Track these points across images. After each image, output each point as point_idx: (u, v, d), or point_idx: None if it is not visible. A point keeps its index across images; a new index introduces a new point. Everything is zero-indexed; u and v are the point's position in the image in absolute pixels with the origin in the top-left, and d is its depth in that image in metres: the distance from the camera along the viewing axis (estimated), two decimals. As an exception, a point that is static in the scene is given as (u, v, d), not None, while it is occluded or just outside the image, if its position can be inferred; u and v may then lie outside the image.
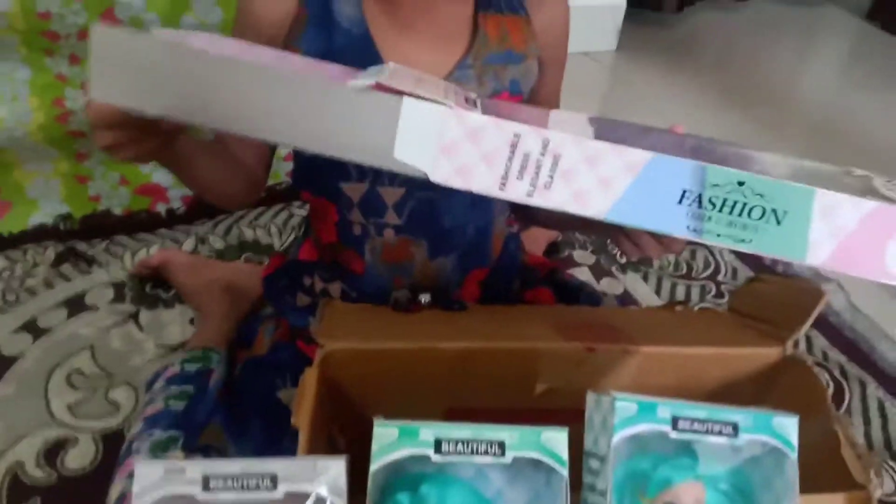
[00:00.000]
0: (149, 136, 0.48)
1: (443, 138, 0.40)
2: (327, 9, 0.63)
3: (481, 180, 0.41)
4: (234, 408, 0.71)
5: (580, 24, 1.83)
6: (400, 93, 0.40)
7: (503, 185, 0.41)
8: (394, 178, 0.67)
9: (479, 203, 0.71)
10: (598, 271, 1.11)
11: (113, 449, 0.76)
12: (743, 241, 0.41)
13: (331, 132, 0.41)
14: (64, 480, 0.75)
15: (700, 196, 0.40)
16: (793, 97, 1.81)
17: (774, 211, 0.40)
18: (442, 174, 0.41)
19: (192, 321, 0.95)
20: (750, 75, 1.91)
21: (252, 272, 0.97)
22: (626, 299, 1.06)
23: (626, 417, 0.46)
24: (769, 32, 2.18)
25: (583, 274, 1.09)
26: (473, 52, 0.65)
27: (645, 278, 1.11)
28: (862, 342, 1.04)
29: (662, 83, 1.82)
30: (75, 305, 0.96)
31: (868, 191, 0.46)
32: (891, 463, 0.86)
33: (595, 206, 0.41)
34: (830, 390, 0.95)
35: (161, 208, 1.12)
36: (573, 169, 0.40)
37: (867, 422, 0.92)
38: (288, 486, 0.43)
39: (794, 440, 0.48)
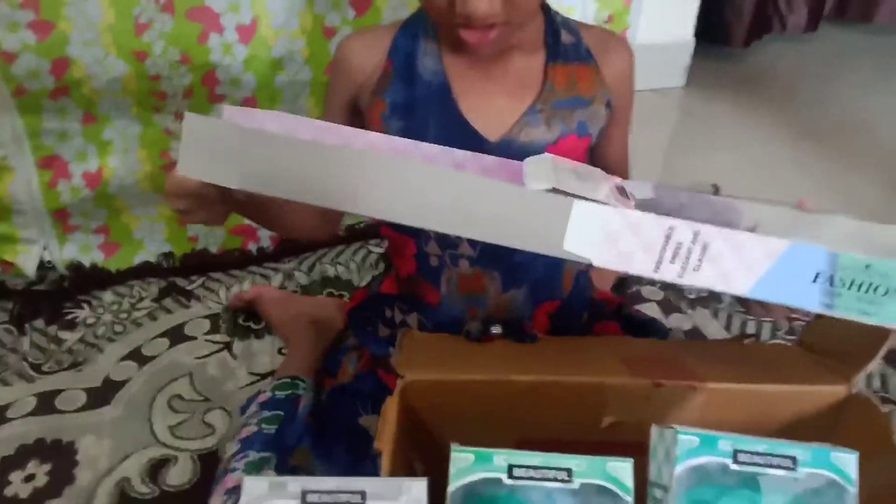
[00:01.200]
0: (218, 205, 0.55)
1: (607, 231, 0.47)
2: (412, 64, 0.71)
3: (639, 264, 0.47)
4: (320, 432, 0.76)
5: (650, 62, 1.87)
6: (570, 195, 0.47)
7: (658, 268, 0.47)
8: None
9: None
10: (667, 307, 1.12)
11: (209, 467, 0.83)
12: (867, 314, 0.48)
13: (503, 225, 0.48)
14: (165, 495, 0.82)
15: (832, 277, 0.47)
16: (867, 128, 1.77)
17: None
18: (604, 259, 0.48)
19: (280, 351, 1.02)
20: (822, 107, 1.88)
21: (335, 306, 1.03)
22: (694, 335, 1.07)
23: (688, 449, 0.49)
24: (840, 62, 2.14)
25: (651, 310, 1.11)
26: (542, 99, 0.71)
27: (715, 315, 1.12)
28: (943, 382, 1.01)
29: (732, 118, 1.82)
30: (176, 336, 1.05)
31: None
32: (975, 507, 0.84)
33: (739, 286, 0.47)
34: (908, 430, 0.94)
35: (252, 247, 1.20)
36: (720, 255, 0.47)
37: (949, 464, 0.89)
38: (375, 502, 0.48)
39: (854, 475, 0.49)
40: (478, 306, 0.76)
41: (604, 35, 0.76)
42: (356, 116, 0.76)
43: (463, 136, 0.70)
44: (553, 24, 0.72)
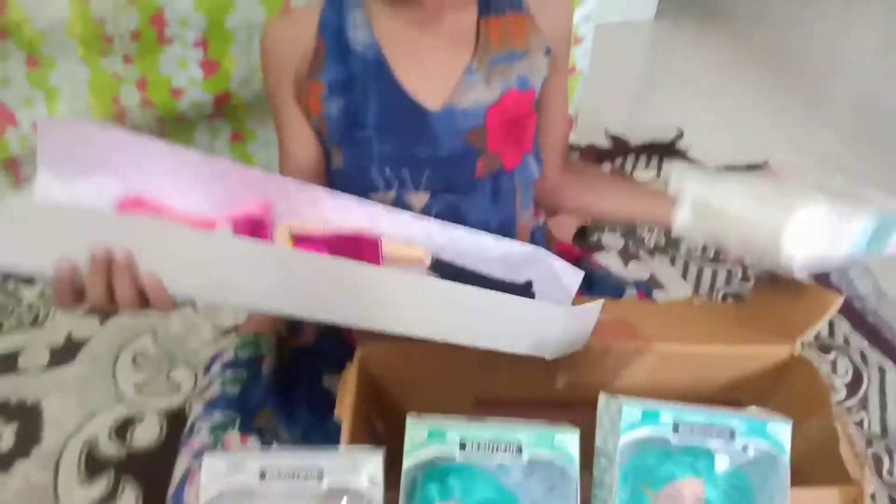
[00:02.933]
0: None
1: None
2: (343, 38, 0.68)
3: None
4: (283, 393, 0.78)
5: (619, -7, 1.82)
6: None
7: None
8: (419, 184, 0.72)
9: (499, 200, 0.76)
10: (626, 255, 1.14)
11: (176, 426, 0.84)
12: None
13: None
14: (133, 455, 0.84)
15: None
16: (833, 66, 1.77)
17: None
18: None
19: (243, 305, 1.02)
20: (789, 42, 1.87)
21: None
22: (652, 283, 1.10)
23: (631, 422, 0.51)
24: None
25: (611, 258, 1.13)
26: (478, 56, 0.69)
27: (672, 262, 1.14)
28: (885, 328, 1.06)
29: (701, 50, 1.80)
30: (137, 290, 1.04)
31: None
32: (904, 448, 0.90)
33: None
34: (849, 377, 0.98)
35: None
36: None
37: (884, 407, 0.95)
38: (332, 478, 0.49)
39: (787, 444, 0.52)
40: None
41: None
42: None
43: (404, 109, 0.69)
44: None
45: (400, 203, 0.72)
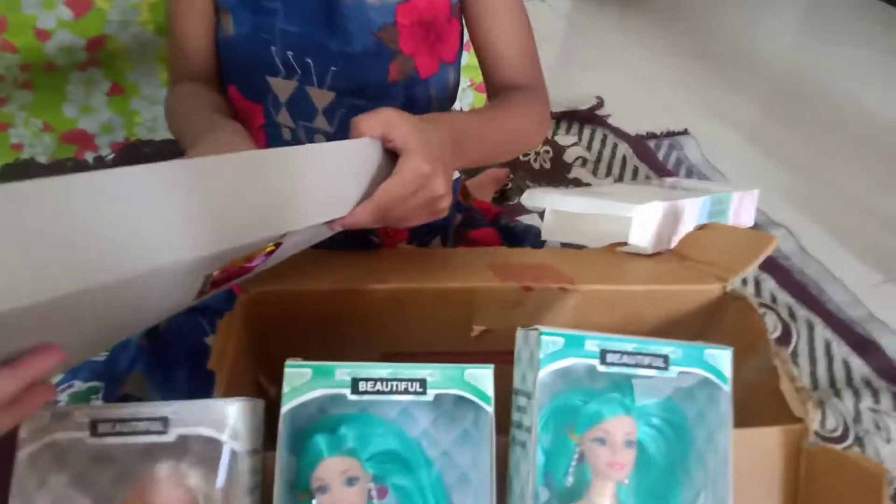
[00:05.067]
0: None
1: None
2: None
3: None
4: (159, 356, 0.67)
5: (538, -29, 1.79)
6: None
7: None
8: (323, 81, 0.66)
9: (412, 110, 0.68)
10: (549, 217, 1.09)
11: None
12: None
13: None
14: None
15: None
16: (750, 47, 1.79)
17: None
18: None
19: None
20: (707, 23, 1.88)
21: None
22: (575, 245, 1.04)
23: (552, 352, 0.44)
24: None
25: (533, 220, 1.06)
26: None
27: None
28: (811, 285, 1.04)
29: (619, 31, 1.79)
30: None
31: None
32: (834, 401, 0.87)
33: None
34: (778, 332, 0.95)
35: (89, 157, 1.06)
36: None
37: (813, 362, 0.92)
38: (181, 430, 0.40)
39: (728, 372, 0.46)
40: None
41: None
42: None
43: None
44: None
45: (301, 96, 0.65)
